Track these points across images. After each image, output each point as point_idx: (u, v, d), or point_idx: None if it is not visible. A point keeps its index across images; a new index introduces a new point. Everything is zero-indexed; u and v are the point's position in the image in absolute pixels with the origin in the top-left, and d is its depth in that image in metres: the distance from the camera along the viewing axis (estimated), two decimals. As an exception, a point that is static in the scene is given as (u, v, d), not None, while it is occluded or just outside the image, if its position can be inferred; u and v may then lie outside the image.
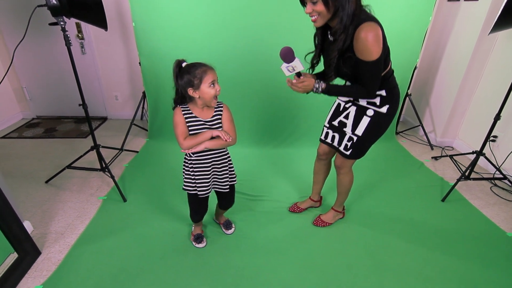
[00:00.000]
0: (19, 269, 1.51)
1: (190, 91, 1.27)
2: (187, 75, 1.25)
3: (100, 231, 1.79)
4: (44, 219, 1.89)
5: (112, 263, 1.58)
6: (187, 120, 1.33)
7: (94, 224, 1.85)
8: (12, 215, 1.50)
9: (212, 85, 1.26)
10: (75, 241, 1.72)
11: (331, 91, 1.39)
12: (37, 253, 1.63)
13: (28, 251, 1.58)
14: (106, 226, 1.83)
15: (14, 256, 1.53)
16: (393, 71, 1.45)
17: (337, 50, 1.27)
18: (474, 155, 2.23)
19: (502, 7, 1.73)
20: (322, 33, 1.39)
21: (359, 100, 1.49)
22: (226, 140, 1.30)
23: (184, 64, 1.28)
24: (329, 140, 1.66)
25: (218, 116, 1.38)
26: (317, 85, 1.37)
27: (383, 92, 1.42)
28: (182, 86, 1.27)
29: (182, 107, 1.34)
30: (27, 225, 1.75)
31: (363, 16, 1.20)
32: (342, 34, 1.22)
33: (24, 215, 1.87)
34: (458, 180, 2.15)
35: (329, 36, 1.36)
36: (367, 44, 1.19)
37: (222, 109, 1.39)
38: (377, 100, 1.44)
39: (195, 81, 1.24)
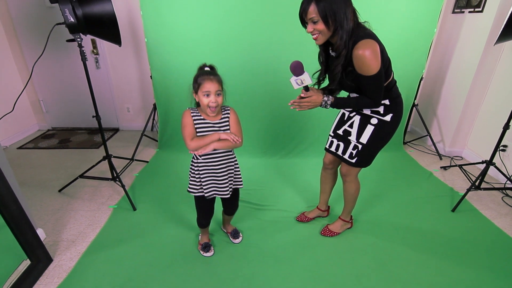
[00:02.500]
0: (31, 276, 1.54)
1: (193, 94, 1.37)
2: (194, 78, 1.34)
3: (110, 240, 1.82)
4: (57, 227, 1.93)
5: (121, 271, 1.60)
6: (195, 122, 1.37)
7: (105, 233, 1.88)
8: (26, 223, 1.55)
9: (206, 95, 1.31)
10: (85, 249, 1.75)
11: (339, 104, 1.44)
12: (49, 260, 1.66)
13: (40, 258, 1.62)
14: (116, 235, 1.86)
15: (27, 263, 1.56)
16: (395, 82, 1.48)
17: (340, 66, 1.32)
18: (484, 164, 2.20)
19: (507, 18, 1.75)
20: (324, 50, 1.44)
21: (363, 109, 1.52)
22: (234, 142, 1.34)
23: (206, 69, 1.36)
24: (333, 149, 1.68)
25: (226, 119, 1.42)
26: (326, 99, 1.42)
27: (386, 101, 1.45)
28: (193, 87, 1.36)
29: (191, 109, 1.39)
30: (40, 233, 1.80)
31: (361, 33, 1.25)
32: (344, 50, 1.28)
33: (38, 223, 1.93)
34: (468, 190, 2.12)
35: (330, 52, 1.41)
36: (365, 61, 1.24)
37: (229, 112, 1.43)
38: (381, 109, 1.47)
39: (195, 85, 1.34)
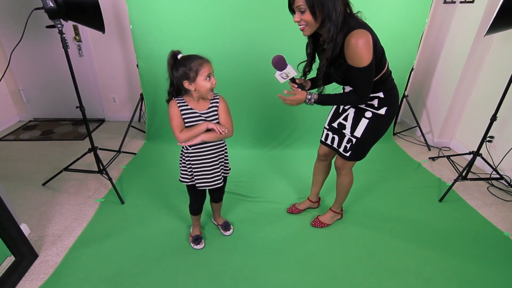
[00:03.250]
0: (16, 273, 1.50)
1: (186, 84, 1.27)
2: (182, 67, 1.24)
3: (98, 234, 1.78)
4: (41, 221, 1.88)
5: (110, 265, 1.57)
6: (182, 112, 1.32)
7: (92, 227, 1.84)
8: (9, 218, 1.50)
9: (208, 78, 1.26)
10: (72, 243, 1.71)
11: (324, 100, 1.40)
12: (34, 256, 1.62)
13: (25, 254, 1.57)
14: (104, 229, 1.82)
15: (11, 259, 1.52)
16: (390, 72, 1.45)
17: (325, 59, 1.29)
18: (471, 155, 2.24)
19: (497, 9, 1.74)
20: (313, 41, 1.40)
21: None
22: (221, 133, 1.31)
23: (179, 56, 1.27)
24: (329, 141, 1.67)
25: (214, 108, 1.37)
26: (309, 96, 1.39)
27: (381, 94, 1.43)
28: (178, 78, 1.27)
29: (177, 100, 1.33)
30: (24, 228, 1.74)
31: (353, 23, 1.21)
32: (330, 43, 1.24)
33: (21, 218, 1.86)
34: (455, 180, 2.16)
35: (322, 43, 1.38)
36: (357, 51, 1.20)
37: (218, 100, 1.38)
38: (375, 102, 1.45)
39: (191, 74, 1.24)
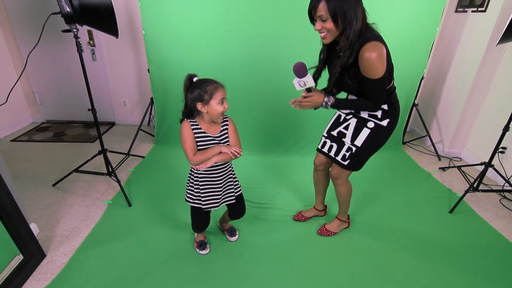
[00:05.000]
0: (24, 271, 1.52)
1: (199, 106, 1.29)
2: (197, 89, 1.26)
3: (105, 235, 1.80)
4: (50, 221, 1.91)
5: (115, 267, 1.58)
6: (195, 135, 1.34)
7: (99, 228, 1.86)
8: (19, 217, 1.52)
9: (221, 102, 1.29)
10: (79, 244, 1.73)
11: (340, 105, 1.43)
12: (42, 255, 1.64)
13: (33, 254, 1.59)
14: (110, 231, 1.84)
15: (19, 258, 1.54)
16: (395, 88, 1.48)
17: (339, 66, 1.30)
18: (483, 166, 2.19)
19: (510, 18, 1.73)
20: (328, 49, 1.41)
21: (361, 112, 1.50)
22: (236, 156, 1.32)
23: (195, 79, 1.30)
24: (326, 149, 1.65)
25: (225, 131, 1.40)
26: (326, 99, 1.40)
27: (385, 106, 1.44)
28: (192, 99, 1.29)
29: (190, 121, 1.34)
30: (33, 227, 1.77)
31: (369, 35, 1.22)
32: (347, 51, 1.25)
33: (31, 217, 1.90)
34: (466, 191, 2.11)
35: (338, 50, 1.38)
36: (372, 63, 1.21)
37: (228, 123, 1.41)
38: (379, 114, 1.46)
39: (206, 96, 1.26)
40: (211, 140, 1.36)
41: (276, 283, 1.52)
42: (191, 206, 1.52)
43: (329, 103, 1.40)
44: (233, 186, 1.52)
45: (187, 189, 1.49)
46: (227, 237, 1.79)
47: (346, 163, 1.55)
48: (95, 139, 3.14)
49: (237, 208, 1.62)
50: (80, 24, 1.78)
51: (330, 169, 1.72)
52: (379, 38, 1.23)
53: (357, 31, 1.21)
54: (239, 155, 1.33)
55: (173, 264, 1.61)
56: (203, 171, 1.40)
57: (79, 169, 2.29)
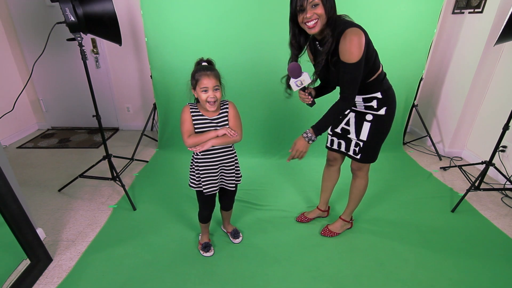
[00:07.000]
0: (31, 276, 1.54)
1: (192, 90, 1.36)
2: (192, 75, 1.34)
3: (110, 239, 1.82)
4: (56, 226, 1.93)
5: (121, 271, 1.60)
6: (193, 118, 1.37)
7: (105, 232, 1.88)
8: (26, 222, 1.55)
9: (204, 91, 1.31)
10: (85, 248, 1.75)
11: (320, 127, 1.41)
12: (49, 260, 1.66)
13: (40, 258, 1.61)
14: (116, 234, 1.86)
15: (26, 262, 1.56)
16: (385, 74, 1.48)
17: (325, 53, 1.31)
18: (484, 165, 2.20)
19: (507, 18, 1.75)
20: (306, 36, 1.40)
21: (356, 106, 1.53)
22: (232, 136, 1.36)
23: (203, 64, 1.37)
24: (335, 146, 1.69)
25: (224, 114, 1.42)
26: (305, 135, 1.42)
27: (378, 95, 1.45)
28: (190, 83, 1.36)
29: (191, 105, 1.39)
30: (40, 232, 1.79)
31: (349, 22, 1.27)
32: (331, 38, 1.28)
33: (37, 223, 1.93)
34: (468, 190, 2.12)
35: (318, 47, 1.40)
36: (350, 46, 1.24)
37: (227, 106, 1.43)
38: (374, 104, 1.47)
39: (193, 82, 1.33)
40: (209, 122, 1.39)
41: (281, 283, 1.53)
42: (196, 191, 1.55)
43: (309, 135, 1.40)
44: (234, 174, 1.54)
45: (190, 175, 1.52)
46: (231, 239, 1.81)
47: (358, 157, 1.58)
48: (99, 145, 3.18)
49: (230, 198, 1.67)
50: (85, 33, 1.82)
51: (350, 164, 1.70)
52: (360, 27, 1.27)
53: (335, 19, 1.26)
54: (235, 136, 1.37)
55: (178, 266, 1.63)
56: (202, 155, 1.43)
57: (84, 174, 2.32)
